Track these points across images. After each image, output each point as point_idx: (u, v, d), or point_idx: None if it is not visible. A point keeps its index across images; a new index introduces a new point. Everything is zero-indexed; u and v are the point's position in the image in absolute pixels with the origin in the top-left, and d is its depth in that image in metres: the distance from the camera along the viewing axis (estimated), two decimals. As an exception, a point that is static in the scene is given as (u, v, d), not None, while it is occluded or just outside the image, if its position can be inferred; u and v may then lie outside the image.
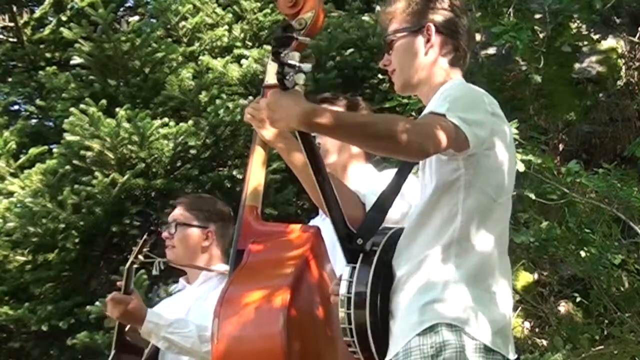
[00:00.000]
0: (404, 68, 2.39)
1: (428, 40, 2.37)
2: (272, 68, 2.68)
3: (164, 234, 3.48)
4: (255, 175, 2.70)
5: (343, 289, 2.21)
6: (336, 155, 2.94)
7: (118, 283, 3.22)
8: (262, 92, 2.77)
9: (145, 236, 3.24)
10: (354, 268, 2.22)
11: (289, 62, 2.13)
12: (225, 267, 3.39)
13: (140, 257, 3.24)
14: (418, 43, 2.37)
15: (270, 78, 2.70)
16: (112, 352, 3.30)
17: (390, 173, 2.90)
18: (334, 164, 2.92)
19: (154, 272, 3.33)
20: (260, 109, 2.60)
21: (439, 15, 2.39)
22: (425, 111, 2.30)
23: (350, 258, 2.25)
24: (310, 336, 2.47)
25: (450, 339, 2.11)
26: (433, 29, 2.36)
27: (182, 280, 3.58)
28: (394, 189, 2.35)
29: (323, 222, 2.82)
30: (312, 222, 3.00)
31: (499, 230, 2.26)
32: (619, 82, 7.37)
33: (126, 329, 3.30)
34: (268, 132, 2.62)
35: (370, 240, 2.26)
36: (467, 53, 2.43)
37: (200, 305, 3.31)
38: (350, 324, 2.18)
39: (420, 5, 2.40)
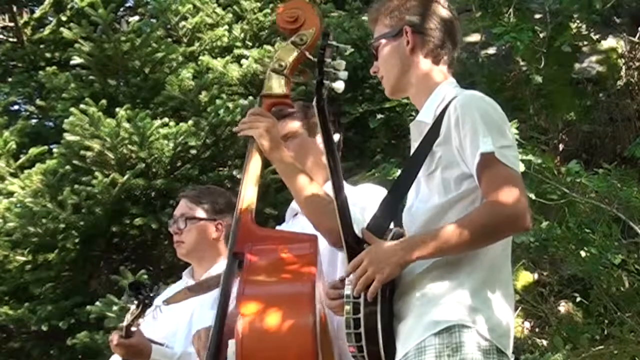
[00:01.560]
0: (389, 73, 2.42)
1: (408, 43, 2.38)
2: (268, 78, 2.73)
3: (172, 229, 3.44)
4: (252, 180, 2.71)
5: (348, 292, 2.19)
6: (318, 170, 2.93)
7: (119, 325, 3.20)
8: (260, 101, 2.79)
9: (140, 308, 3.10)
10: None
11: (330, 69, 2.17)
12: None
13: (137, 321, 3.19)
14: (399, 47, 2.39)
15: (269, 88, 2.74)
16: None
17: (366, 187, 2.91)
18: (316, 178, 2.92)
19: (153, 318, 3.30)
20: (262, 120, 2.64)
21: (415, 16, 2.39)
22: (418, 120, 2.31)
23: None
24: (323, 344, 2.49)
25: (465, 340, 2.13)
26: (410, 30, 2.37)
27: (185, 275, 3.51)
28: (397, 195, 2.35)
29: (292, 226, 2.90)
30: (281, 227, 3.02)
31: None
32: (619, 82, 7.37)
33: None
34: (268, 144, 2.65)
35: None
36: (452, 46, 2.42)
37: (203, 312, 3.30)
38: (358, 328, 2.17)
39: (397, 8, 2.41)
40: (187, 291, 3.30)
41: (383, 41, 2.41)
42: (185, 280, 3.49)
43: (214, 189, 3.63)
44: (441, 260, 2.20)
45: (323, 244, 2.59)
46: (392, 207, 2.32)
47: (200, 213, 3.42)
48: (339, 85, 2.33)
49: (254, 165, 2.73)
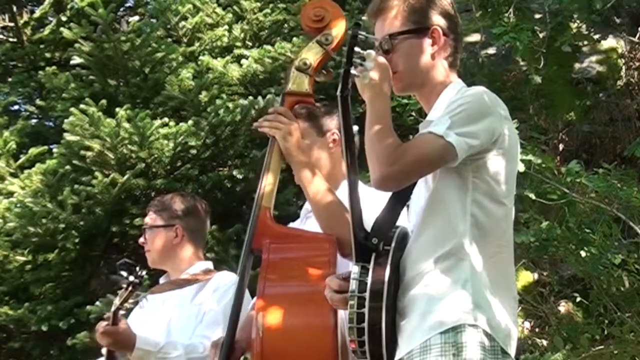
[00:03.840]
0: (409, 70, 2.39)
1: (434, 43, 2.37)
2: (292, 76, 2.74)
3: (140, 240, 3.56)
4: (271, 178, 2.72)
5: (353, 287, 2.19)
6: (329, 170, 2.93)
7: (105, 315, 3.21)
8: (283, 99, 2.80)
9: (130, 288, 3.14)
10: (363, 267, 2.20)
11: (358, 59, 2.19)
12: (201, 267, 3.43)
13: (126, 304, 3.17)
14: (424, 45, 2.37)
15: (293, 86, 2.74)
16: None
17: (367, 189, 2.92)
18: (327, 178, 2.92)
19: (140, 307, 3.33)
20: (287, 121, 2.67)
21: (442, 17, 2.39)
22: (428, 120, 2.33)
23: (362, 257, 2.23)
24: (342, 345, 2.49)
25: (470, 340, 2.12)
26: (440, 31, 2.37)
27: (162, 281, 3.56)
28: (404, 192, 2.34)
29: (304, 226, 2.90)
30: (292, 225, 3.02)
31: (503, 232, 2.28)
32: (619, 82, 7.38)
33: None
34: (291, 147, 2.68)
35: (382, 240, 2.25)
36: (460, 49, 2.46)
37: (182, 313, 3.34)
38: (361, 323, 2.17)
39: (422, 5, 2.40)
40: (170, 284, 3.36)
41: (403, 36, 2.38)
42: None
43: (171, 195, 3.67)
44: (445, 257, 2.20)
45: None
46: (397, 207, 2.32)
47: (158, 221, 3.52)
48: (368, 76, 2.31)
49: (274, 163, 2.75)
